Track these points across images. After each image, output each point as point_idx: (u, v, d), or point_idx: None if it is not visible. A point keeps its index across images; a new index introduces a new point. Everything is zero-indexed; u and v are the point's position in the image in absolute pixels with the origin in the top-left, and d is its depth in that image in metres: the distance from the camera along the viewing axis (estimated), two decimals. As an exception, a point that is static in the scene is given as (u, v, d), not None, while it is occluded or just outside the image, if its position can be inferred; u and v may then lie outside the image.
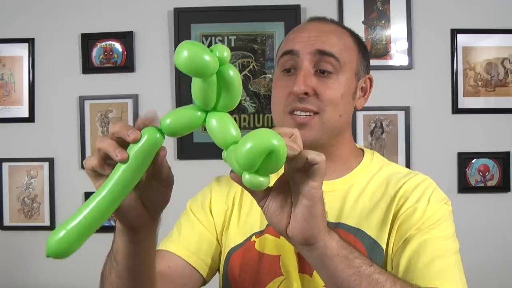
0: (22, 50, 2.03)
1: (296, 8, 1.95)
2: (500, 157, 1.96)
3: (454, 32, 1.96)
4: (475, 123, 1.97)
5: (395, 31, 1.98)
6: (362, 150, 1.02)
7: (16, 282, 2.02)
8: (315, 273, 0.87)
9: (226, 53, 0.58)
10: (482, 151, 1.97)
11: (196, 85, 0.61)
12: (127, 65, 2.00)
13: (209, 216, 0.99)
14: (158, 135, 0.62)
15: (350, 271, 0.68)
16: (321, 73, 0.90)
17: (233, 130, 0.63)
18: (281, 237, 0.75)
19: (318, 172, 0.63)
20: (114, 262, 0.75)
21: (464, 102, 1.97)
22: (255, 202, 0.94)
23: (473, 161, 1.96)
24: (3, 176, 2.03)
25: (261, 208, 0.69)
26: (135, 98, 1.99)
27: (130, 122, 1.99)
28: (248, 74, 1.98)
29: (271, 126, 1.98)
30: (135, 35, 2.01)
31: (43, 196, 2.01)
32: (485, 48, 1.97)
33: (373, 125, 1.97)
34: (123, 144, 0.62)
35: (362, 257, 0.70)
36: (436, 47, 1.97)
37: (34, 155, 2.03)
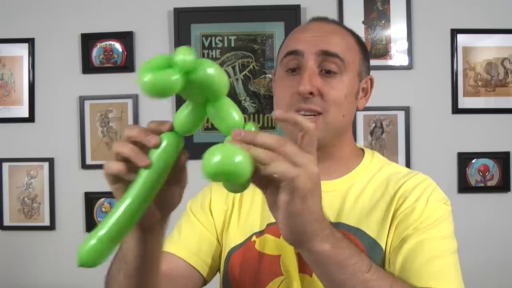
0: (22, 50, 2.03)
1: (296, 8, 1.95)
2: (500, 157, 1.96)
3: (454, 32, 1.96)
4: (475, 123, 1.97)
5: (395, 31, 1.98)
6: (363, 150, 1.02)
7: (16, 282, 2.02)
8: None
9: (188, 57, 0.55)
10: (482, 151, 1.97)
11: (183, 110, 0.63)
12: (127, 65, 2.00)
13: (209, 216, 0.99)
14: (178, 139, 0.62)
15: (344, 277, 0.67)
16: (326, 73, 0.91)
17: (236, 115, 0.62)
18: (281, 237, 0.75)
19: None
20: (123, 263, 0.74)
21: (464, 102, 1.97)
22: (255, 202, 0.93)
23: (473, 161, 1.96)
24: (3, 176, 2.03)
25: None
26: (135, 98, 1.99)
27: (130, 122, 1.99)
28: (248, 74, 1.98)
29: (271, 126, 1.98)
30: (135, 35, 2.01)
31: (43, 196, 2.01)
32: (485, 48, 1.97)
33: (373, 125, 1.97)
34: (141, 148, 0.62)
35: (362, 262, 0.68)
36: (436, 47, 1.98)
37: (34, 155, 2.03)
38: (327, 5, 1.97)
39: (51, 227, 2.01)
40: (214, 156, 0.56)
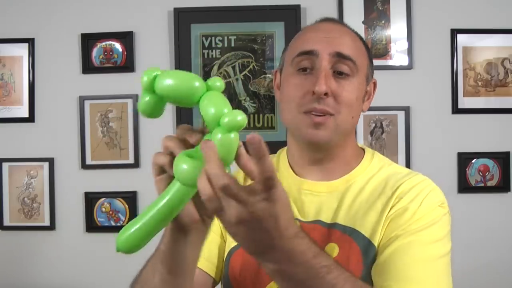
0: (22, 50, 2.03)
1: (296, 8, 1.95)
2: (500, 157, 1.96)
3: (454, 32, 1.96)
4: (475, 123, 1.97)
5: (395, 31, 1.98)
6: (363, 149, 1.02)
7: (16, 282, 2.02)
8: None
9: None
10: (482, 151, 1.97)
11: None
12: (127, 65, 2.00)
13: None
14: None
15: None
16: (338, 74, 0.91)
17: (212, 109, 0.60)
18: None
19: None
20: (159, 264, 0.74)
21: (464, 102, 1.97)
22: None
23: (473, 161, 1.96)
24: (3, 176, 2.03)
25: None
26: (135, 98, 1.99)
27: (130, 122, 1.99)
28: (248, 74, 1.98)
29: (271, 126, 1.98)
30: (135, 35, 2.01)
31: (43, 196, 2.01)
32: (485, 48, 1.97)
33: (373, 125, 1.97)
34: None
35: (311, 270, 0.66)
36: (436, 47, 1.97)
37: (34, 155, 2.02)
38: (327, 5, 1.97)
39: (51, 227, 2.01)
40: (181, 162, 0.60)
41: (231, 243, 0.97)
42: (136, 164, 1.99)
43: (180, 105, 0.64)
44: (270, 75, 1.97)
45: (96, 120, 2.01)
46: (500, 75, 1.97)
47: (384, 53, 1.98)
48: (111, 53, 2.01)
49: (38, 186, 2.02)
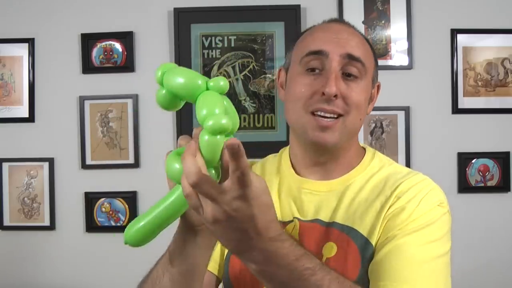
0: (22, 50, 2.03)
1: (296, 8, 1.95)
2: (500, 157, 1.96)
3: (454, 32, 1.96)
4: (475, 123, 1.97)
5: (395, 31, 1.98)
6: (364, 149, 1.02)
7: (16, 282, 2.02)
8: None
9: (222, 82, 0.63)
10: (482, 151, 1.97)
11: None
12: (127, 65, 2.00)
13: None
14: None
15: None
16: (346, 76, 0.91)
17: (204, 110, 0.60)
18: None
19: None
20: (169, 264, 0.75)
21: (464, 102, 1.97)
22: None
23: (473, 161, 1.96)
24: (3, 176, 2.03)
25: None
26: (135, 98, 1.99)
27: (130, 122, 1.99)
28: (248, 74, 1.98)
29: (271, 126, 1.98)
30: (135, 35, 2.01)
31: (43, 196, 2.01)
32: (485, 48, 1.97)
33: (373, 125, 1.97)
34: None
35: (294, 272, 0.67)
36: (436, 47, 1.98)
37: (34, 155, 2.02)
38: (327, 5, 1.97)
39: (51, 227, 2.01)
40: (169, 161, 0.63)
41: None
42: (136, 164, 1.99)
43: (189, 101, 0.66)
44: (270, 75, 1.97)
45: (96, 120, 2.01)
46: (500, 75, 1.97)
47: (384, 53, 1.98)
48: (111, 53, 2.01)
49: (38, 186, 2.02)
